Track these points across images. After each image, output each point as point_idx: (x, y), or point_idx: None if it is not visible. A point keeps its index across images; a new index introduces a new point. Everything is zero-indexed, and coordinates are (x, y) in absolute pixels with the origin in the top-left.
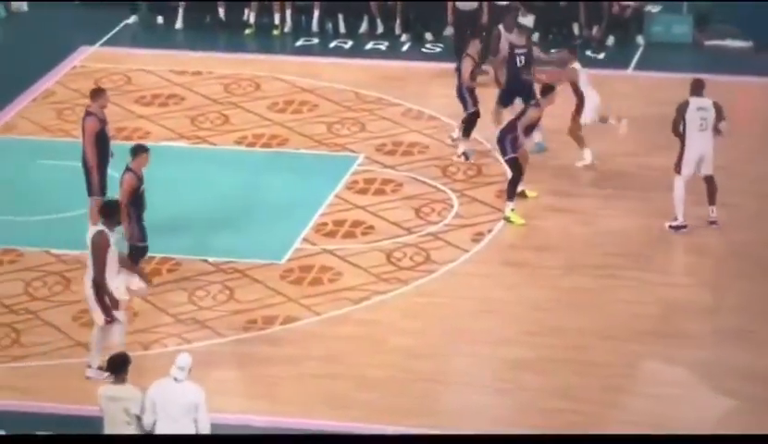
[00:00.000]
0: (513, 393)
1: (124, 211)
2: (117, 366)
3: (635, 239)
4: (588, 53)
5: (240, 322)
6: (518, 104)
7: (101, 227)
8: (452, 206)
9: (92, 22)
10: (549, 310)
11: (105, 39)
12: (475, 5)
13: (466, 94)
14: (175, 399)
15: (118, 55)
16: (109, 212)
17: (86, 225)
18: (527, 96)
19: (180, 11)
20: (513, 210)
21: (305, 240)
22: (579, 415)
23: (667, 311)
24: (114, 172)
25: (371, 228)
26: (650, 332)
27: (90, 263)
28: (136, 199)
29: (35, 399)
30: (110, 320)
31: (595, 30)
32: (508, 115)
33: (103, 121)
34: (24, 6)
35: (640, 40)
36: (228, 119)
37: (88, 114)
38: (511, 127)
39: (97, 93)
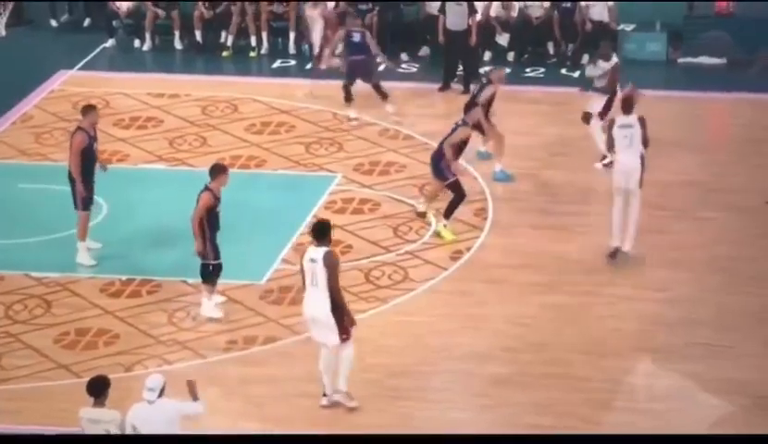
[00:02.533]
0: (494, 409)
1: (197, 228)
2: (98, 389)
3: None
4: (563, 71)
5: (220, 342)
6: None
7: (326, 247)
8: (429, 225)
9: (70, 46)
10: (528, 326)
11: (82, 63)
12: (464, 25)
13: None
14: (152, 420)
15: (96, 79)
16: (323, 231)
17: (68, 247)
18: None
19: (148, 34)
20: (445, 226)
21: (285, 260)
22: (560, 430)
23: (646, 326)
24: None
25: (349, 247)
26: (630, 347)
27: (320, 283)
28: (211, 218)
29: (17, 421)
30: (347, 338)
31: (569, 48)
32: None
33: (92, 137)
34: (2, 31)
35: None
36: (206, 141)
37: (78, 129)
38: (439, 151)
39: (87, 110)
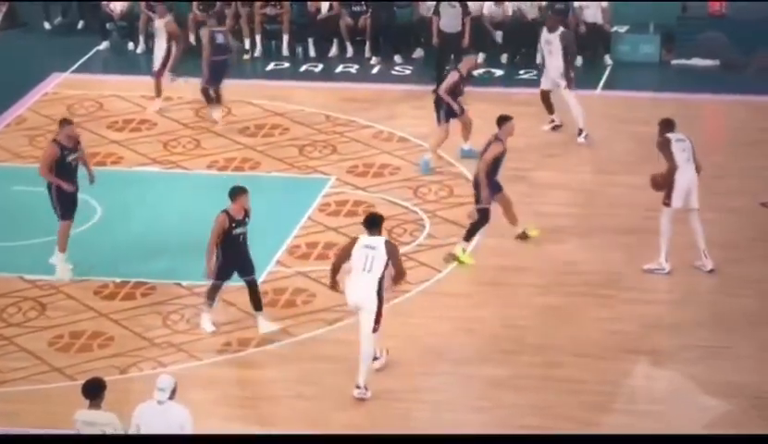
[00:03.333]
0: (490, 411)
1: (211, 248)
2: (93, 391)
3: (608, 256)
4: None
5: (215, 345)
6: None
7: (383, 237)
8: (423, 227)
9: (64, 49)
10: (524, 328)
11: (76, 65)
12: (458, 26)
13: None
14: (159, 421)
15: (90, 82)
16: (377, 222)
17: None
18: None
19: (141, 37)
20: (464, 251)
21: (279, 262)
22: (556, 432)
23: (642, 328)
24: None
25: None
26: (626, 349)
27: (374, 269)
28: (226, 240)
29: (13, 424)
30: (377, 329)
31: None
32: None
33: (67, 149)
34: None
35: (608, 59)
36: (199, 144)
37: (52, 141)
38: (477, 174)
39: (64, 123)
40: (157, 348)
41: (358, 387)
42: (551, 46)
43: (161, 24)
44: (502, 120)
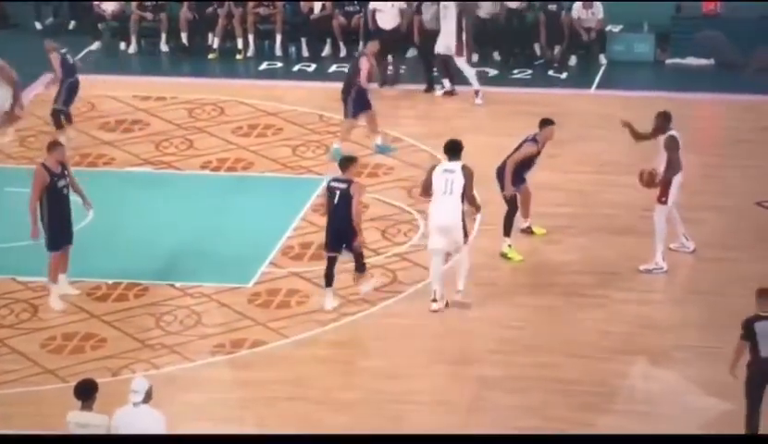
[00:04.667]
0: (484, 412)
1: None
2: (86, 393)
3: (601, 257)
4: (551, 73)
5: (208, 346)
6: None
7: (461, 162)
8: (417, 227)
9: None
10: (518, 329)
11: None
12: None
13: (350, 99)
14: (133, 423)
15: (82, 82)
16: (457, 148)
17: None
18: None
19: (133, 37)
20: (510, 246)
21: (272, 263)
22: (550, 433)
23: (637, 328)
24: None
25: None
26: (619, 350)
27: (455, 191)
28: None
29: (6, 426)
30: (467, 239)
31: (557, 50)
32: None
33: (56, 175)
34: None
35: (603, 59)
36: (192, 144)
37: (40, 165)
38: (504, 164)
39: (53, 147)
40: (150, 349)
41: (435, 300)
42: (446, 11)
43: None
44: (544, 123)
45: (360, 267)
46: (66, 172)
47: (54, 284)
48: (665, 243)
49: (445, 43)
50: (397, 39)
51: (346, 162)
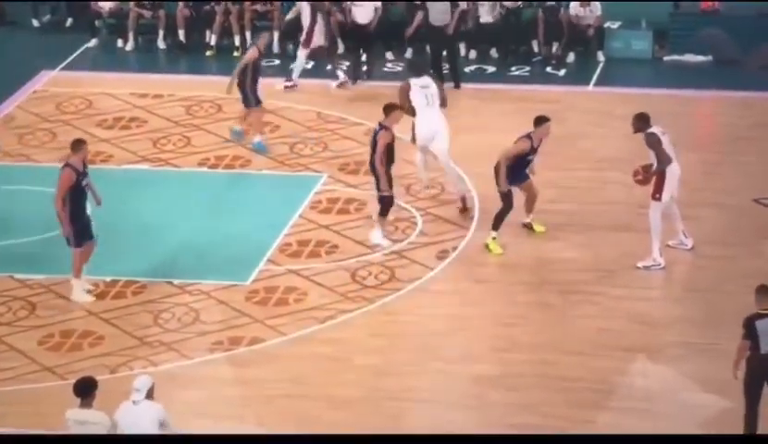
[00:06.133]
0: (481, 409)
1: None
2: (85, 390)
3: (599, 254)
4: (549, 69)
5: (206, 344)
6: None
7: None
8: (415, 224)
9: (53, 46)
10: (515, 326)
11: (65, 63)
12: (447, 19)
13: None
14: (135, 421)
15: (79, 79)
16: (420, 66)
17: (52, 249)
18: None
19: (131, 34)
20: (494, 239)
21: (270, 260)
22: (547, 431)
23: (634, 325)
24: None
25: (335, 247)
26: (617, 347)
27: (434, 101)
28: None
29: (3, 424)
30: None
31: (555, 46)
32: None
33: (80, 174)
34: None
35: (601, 56)
36: (190, 141)
37: (66, 165)
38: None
39: (77, 145)
40: (148, 347)
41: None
42: (301, 5)
43: None
44: (539, 121)
45: (382, 211)
46: (86, 170)
47: (77, 279)
48: (661, 239)
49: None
50: (369, 35)
51: (387, 109)
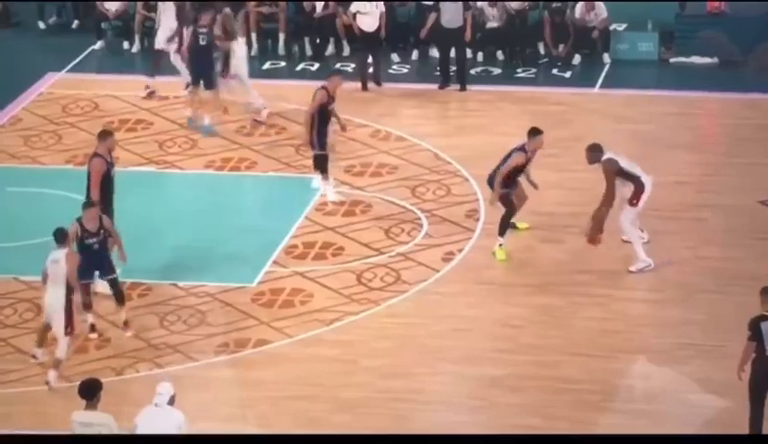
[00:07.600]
0: (486, 411)
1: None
2: (90, 392)
3: (602, 256)
4: (555, 71)
5: (211, 346)
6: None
7: None
8: (421, 226)
9: (59, 49)
10: (519, 327)
11: (71, 65)
12: (460, 22)
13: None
14: (153, 424)
15: (85, 82)
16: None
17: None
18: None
19: (137, 36)
20: (501, 246)
21: (276, 262)
22: (551, 431)
23: (636, 327)
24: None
25: (341, 249)
26: (620, 348)
27: None
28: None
29: (11, 425)
30: None
31: (561, 48)
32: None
33: (109, 163)
34: None
35: (606, 58)
36: (196, 143)
37: (95, 155)
38: (494, 173)
39: (104, 135)
40: (154, 349)
41: None
42: (165, 5)
43: None
44: (532, 133)
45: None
46: (113, 160)
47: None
48: (639, 239)
49: (161, 38)
50: (378, 41)
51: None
